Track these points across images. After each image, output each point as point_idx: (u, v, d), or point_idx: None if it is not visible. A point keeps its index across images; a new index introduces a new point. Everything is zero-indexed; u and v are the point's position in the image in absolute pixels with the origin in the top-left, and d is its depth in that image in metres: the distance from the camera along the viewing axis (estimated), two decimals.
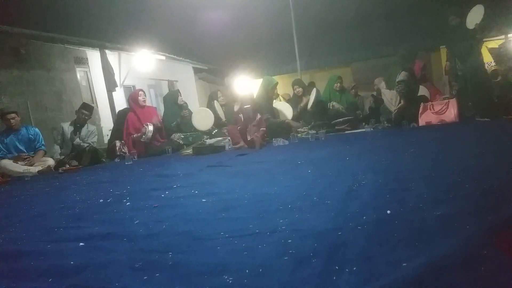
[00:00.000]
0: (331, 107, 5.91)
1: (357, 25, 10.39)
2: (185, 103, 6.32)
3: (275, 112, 5.83)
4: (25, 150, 4.83)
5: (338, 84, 6.18)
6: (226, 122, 6.01)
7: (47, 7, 5.30)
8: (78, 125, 5.30)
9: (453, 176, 1.79)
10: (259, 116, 4.83)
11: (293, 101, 6.36)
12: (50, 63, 6.98)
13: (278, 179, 2.35)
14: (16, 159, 4.64)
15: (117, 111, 6.51)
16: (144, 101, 5.70)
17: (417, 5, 9.26)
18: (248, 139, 4.60)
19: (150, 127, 5.36)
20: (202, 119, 5.82)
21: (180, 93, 6.35)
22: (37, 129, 5.09)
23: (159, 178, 3.02)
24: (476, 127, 4.00)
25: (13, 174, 4.43)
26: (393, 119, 4.95)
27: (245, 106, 4.92)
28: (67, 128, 5.29)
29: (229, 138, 5.08)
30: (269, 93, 5.84)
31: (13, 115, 4.82)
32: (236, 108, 5.38)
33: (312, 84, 7.33)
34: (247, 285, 0.98)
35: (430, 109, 4.70)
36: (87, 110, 5.39)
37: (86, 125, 5.37)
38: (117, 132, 5.68)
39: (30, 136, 4.92)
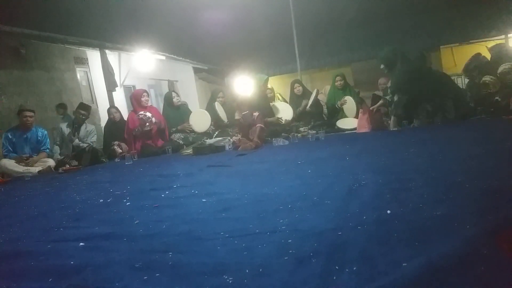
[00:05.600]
0: (338, 106, 5.87)
1: (357, 25, 10.41)
2: (186, 102, 6.26)
3: (271, 109, 5.81)
4: (30, 151, 4.80)
5: (339, 82, 6.10)
6: (228, 123, 5.96)
7: (47, 7, 5.29)
8: (76, 126, 5.29)
9: (453, 176, 1.79)
10: (256, 114, 4.82)
11: (293, 101, 6.33)
12: (50, 63, 6.98)
13: (278, 179, 2.35)
14: (17, 160, 4.62)
15: (103, 126, 6.36)
16: (147, 101, 5.68)
17: (417, 5, 9.28)
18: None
19: (148, 114, 5.32)
20: (198, 120, 5.79)
21: (175, 93, 6.21)
22: (45, 131, 5.06)
23: (159, 178, 3.02)
24: (476, 127, 4.00)
25: (13, 174, 4.43)
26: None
27: (243, 113, 4.91)
28: (65, 128, 5.29)
29: (229, 138, 5.08)
30: (262, 89, 5.83)
31: (31, 113, 4.83)
32: (237, 116, 5.35)
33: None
34: (247, 285, 0.98)
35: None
36: (85, 110, 5.38)
37: (84, 125, 5.35)
38: (109, 138, 5.63)
39: (39, 138, 4.90)
